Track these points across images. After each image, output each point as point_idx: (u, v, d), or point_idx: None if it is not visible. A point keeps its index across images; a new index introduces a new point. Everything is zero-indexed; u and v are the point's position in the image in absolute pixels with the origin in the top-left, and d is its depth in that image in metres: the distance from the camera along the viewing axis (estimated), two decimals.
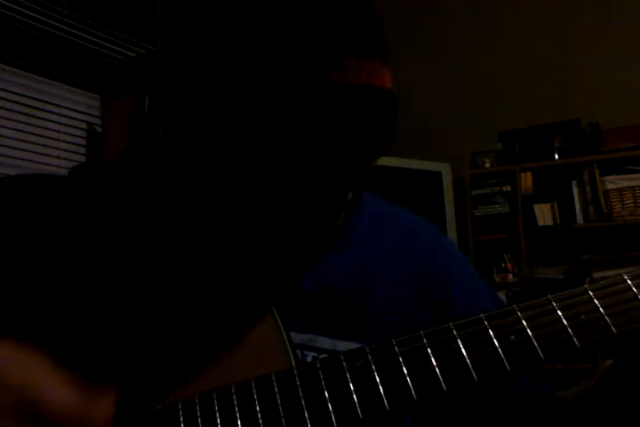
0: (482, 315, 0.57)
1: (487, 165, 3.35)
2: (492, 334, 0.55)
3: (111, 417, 0.56)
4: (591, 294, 0.56)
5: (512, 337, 0.55)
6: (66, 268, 0.66)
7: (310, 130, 0.59)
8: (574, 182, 3.13)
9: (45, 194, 0.71)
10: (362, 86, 0.59)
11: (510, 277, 3.12)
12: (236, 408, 0.55)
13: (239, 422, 0.54)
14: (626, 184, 3.03)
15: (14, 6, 2.48)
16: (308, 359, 0.69)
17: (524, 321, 0.55)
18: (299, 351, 0.69)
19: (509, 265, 3.17)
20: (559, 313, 0.55)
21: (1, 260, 0.66)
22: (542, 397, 0.72)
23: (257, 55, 0.59)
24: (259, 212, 0.65)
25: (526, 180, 3.21)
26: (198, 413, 0.55)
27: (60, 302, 0.64)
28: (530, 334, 0.55)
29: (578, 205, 3.11)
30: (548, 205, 3.16)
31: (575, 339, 0.54)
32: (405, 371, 0.55)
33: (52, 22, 2.62)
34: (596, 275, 2.93)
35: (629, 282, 0.56)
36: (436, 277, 0.79)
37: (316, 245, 0.70)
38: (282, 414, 0.54)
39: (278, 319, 0.62)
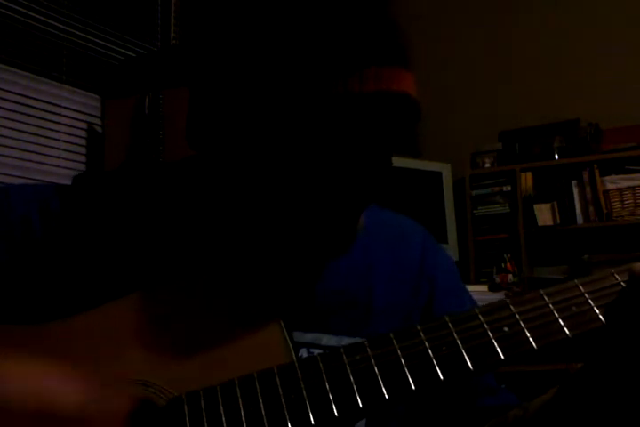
0: (476, 310, 0.59)
1: (487, 165, 3.34)
2: (486, 326, 0.57)
3: (125, 412, 0.54)
4: (581, 288, 0.58)
5: (505, 329, 0.57)
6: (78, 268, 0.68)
7: (330, 138, 0.60)
8: (574, 182, 3.13)
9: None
10: (379, 93, 0.60)
11: (510, 277, 3.12)
12: (240, 400, 0.56)
13: (242, 413, 0.55)
14: (626, 184, 3.04)
15: (14, 6, 2.49)
16: None
17: (517, 314, 0.58)
18: (305, 349, 0.70)
19: (509, 265, 3.17)
20: (551, 306, 0.58)
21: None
22: (505, 410, 0.74)
23: (278, 65, 0.59)
24: (276, 217, 0.66)
25: (526, 180, 3.21)
26: (202, 405, 0.56)
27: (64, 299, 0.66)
28: (522, 325, 0.57)
29: (578, 205, 3.11)
30: (548, 205, 3.16)
31: (566, 329, 0.56)
32: (403, 362, 0.56)
33: (52, 22, 2.63)
34: None
35: (616, 276, 0.59)
36: (426, 276, 0.81)
37: (336, 250, 0.71)
38: (284, 404, 0.55)
39: (281, 321, 0.63)
